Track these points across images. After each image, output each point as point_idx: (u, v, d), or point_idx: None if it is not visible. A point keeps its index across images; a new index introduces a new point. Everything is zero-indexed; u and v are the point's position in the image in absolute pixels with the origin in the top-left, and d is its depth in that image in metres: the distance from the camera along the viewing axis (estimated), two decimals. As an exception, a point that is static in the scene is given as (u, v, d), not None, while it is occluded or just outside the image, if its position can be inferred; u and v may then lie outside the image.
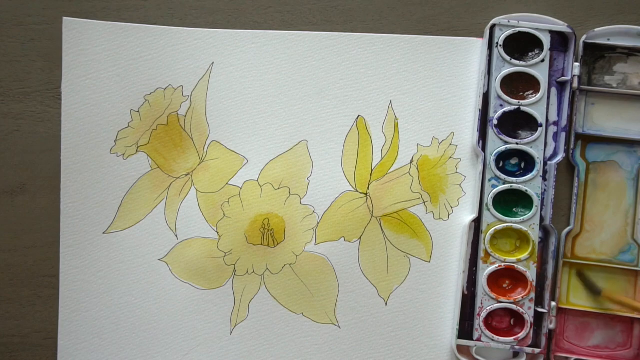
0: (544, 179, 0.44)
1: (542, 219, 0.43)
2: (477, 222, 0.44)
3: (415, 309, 0.44)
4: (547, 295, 0.43)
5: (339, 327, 0.44)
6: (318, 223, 0.44)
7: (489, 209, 0.43)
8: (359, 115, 0.45)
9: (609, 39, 0.44)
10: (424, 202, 0.44)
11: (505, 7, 0.45)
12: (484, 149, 0.44)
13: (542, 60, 0.43)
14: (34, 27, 0.45)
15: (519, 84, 0.44)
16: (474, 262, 0.44)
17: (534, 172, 0.43)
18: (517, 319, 0.44)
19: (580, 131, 0.44)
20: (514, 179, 0.43)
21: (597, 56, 0.44)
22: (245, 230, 0.44)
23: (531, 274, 0.43)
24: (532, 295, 0.43)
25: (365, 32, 0.45)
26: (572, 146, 0.44)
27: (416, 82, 0.45)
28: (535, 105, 0.43)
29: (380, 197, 0.44)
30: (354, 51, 0.45)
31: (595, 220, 0.44)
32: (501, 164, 0.44)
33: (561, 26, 0.43)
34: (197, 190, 0.44)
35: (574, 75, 0.43)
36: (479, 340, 0.43)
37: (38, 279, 0.45)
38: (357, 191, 0.45)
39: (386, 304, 0.44)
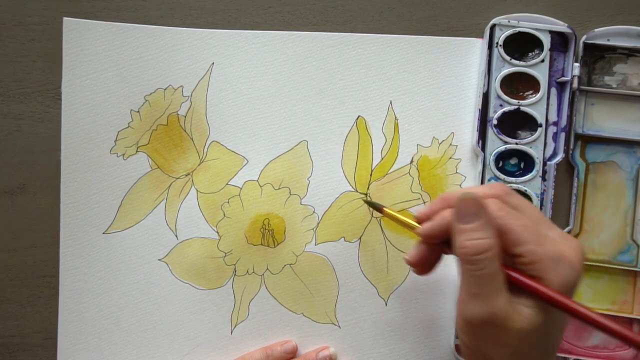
0: (544, 179, 0.44)
1: (541, 219, 0.43)
2: (476, 222, 0.44)
3: (415, 309, 0.44)
4: (547, 295, 0.43)
5: (339, 326, 0.45)
6: (318, 223, 0.44)
7: (488, 209, 0.43)
8: (359, 116, 0.45)
9: (608, 40, 0.44)
10: (424, 203, 0.44)
11: (505, 7, 0.45)
12: (483, 148, 0.44)
13: (542, 61, 0.43)
14: (34, 27, 0.45)
15: (518, 84, 0.44)
16: (474, 262, 0.44)
17: (534, 172, 0.43)
18: (517, 318, 0.44)
19: (580, 131, 0.44)
20: (513, 179, 0.43)
21: (597, 56, 0.44)
22: (246, 230, 0.44)
23: (531, 274, 0.43)
24: (532, 295, 0.43)
25: (365, 32, 0.45)
26: (571, 146, 0.44)
27: (416, 82, 0.45)
28: (534, 105, 0.43)
29: (380, 197, 0.44)
30: (354, 51, 0.45)
31: (595, 221, 0.44)
32: (501, 164, 0.44)
33: (561, 26, 0.43)
34: (197, 190, 0.45)
35: (574, 76, 0.43)
36: (478, 340, 0.43)
37: (38, 279, 0.45)
38: (357, 191, 0.45)
39: (386, 304, 0.44)
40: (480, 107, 0.44)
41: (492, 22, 0.44)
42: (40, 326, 0.45)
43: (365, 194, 0.44)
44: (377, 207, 0.41)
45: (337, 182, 0.45)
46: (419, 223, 0.36)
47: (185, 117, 0.45)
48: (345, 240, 0.44)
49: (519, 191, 0.43)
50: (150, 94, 0.44)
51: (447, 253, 0.36)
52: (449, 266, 0.44)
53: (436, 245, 0.36)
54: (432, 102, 0.45)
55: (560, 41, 0.44)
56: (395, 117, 0.45)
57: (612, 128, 0.44)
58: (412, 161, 0.45)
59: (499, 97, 0.43)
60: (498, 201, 0.33)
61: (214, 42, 0.45)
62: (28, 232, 0.45)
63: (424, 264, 0.37)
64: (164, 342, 0.45)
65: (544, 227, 0.33)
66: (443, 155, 0.45)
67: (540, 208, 0.43)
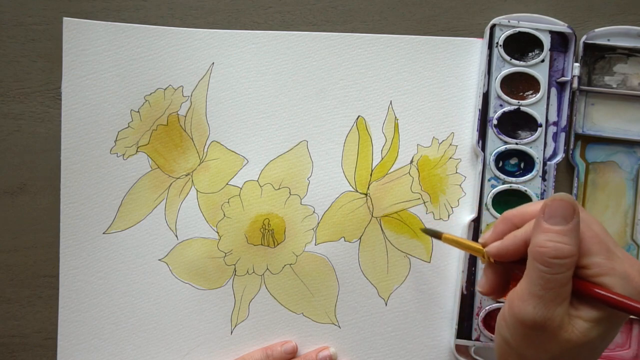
0: (544, 179, 0.44)
1: (541, 219, 0.43)
2: (476, 222, 0.44)
3: (415, 309, 0.44)
4: (547, 295, 0.43)
5: (339, 327, 0.45)
6: (318, 223, 0.44)
7: (488, 209, 0.43)
8: (359, 116, 0.45)
9: (609, 40, 0.44)
10: (424, 203, 0.44)
11: (505, 7, 0.45)
12: (483, 148, 0.44)
13: (542, 61, 0.43)
14: (34, 27, 0.45)
15: (518, 84, 0.44)
16: (473, 262, 0.44)
17: (534, 172, 0.43)
18: (517, 318, 0.44)
19: (580, 131, 0.44)
20: (513, 179, 0.43)
21: (597, 56, 0.44)
22: (246, 230, 0.44)
23: (531, 274, 0.43)
24: (532, 295, 0.43)
25: (365, 32, 0.45)
26: (571, 146, 0.44)
27: (416, 82, 0.45)
28: (535, 105, 0.43)
29: (380, 197, 0.44)
30: (354, 51, 0.45)
31: (595, 221, 0.44)
32: (501, 164, 0.44)
33: (561, 26, 0.43)
34: (197, 190, 0.45)
35: (574, 76, 0.43)
36: (477, 340, 0.43)
37: (38, 279, 0.45)
38: (357, 191, 0.45)
39: (386, 304, 0.45)
40: (480, 107, 0.44)
41: (492, 22, 0.44)
42: (40, 326, 0.45)
43: (366, 194, 0.44)
44: (435, 234, 0.40)
45: (337, 182, 0.45)
46: (485, 245, 0.35)
47: (185, 117, 0.45)
48: (345, 240, 0.44)
49: (518, 191, 0.43)
50: (150, 94, 0.44)
51: (515, 271, 0.35)
52: (449, 265, 0.45)
53: (504, 265, 0.35)
54: (432, 102, 0.45)
55: (560, 41, 0.44)
56: (395, 117, 0.45)
57: (612, 128, 0.44)
58: (412, 161, 0.45)
59: (499, 97, 0.43)
60: (573, 208, 0.32)
61: (214, 42, 0.44)
62: (28, 232, 0.45)
63: (497, 289, 0.36)
64: (164, 342, 0.45)
65: (611, 244, 0.32)
66: (443, 155, 0.45)
67: (540, 208, 0.43)
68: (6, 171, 0.45)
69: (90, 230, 0.45)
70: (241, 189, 0.45)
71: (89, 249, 0.45)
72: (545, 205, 0.31)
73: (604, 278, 0.30)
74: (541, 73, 0.43)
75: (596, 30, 0.44)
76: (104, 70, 0.44)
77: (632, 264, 0.32)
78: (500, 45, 0.43)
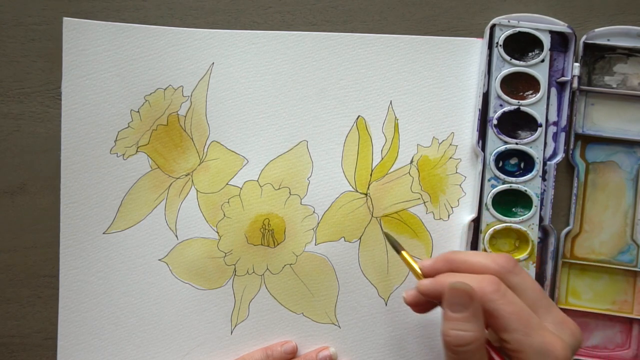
0: (544, 179, 0.44)
1: (541, 219, 0.43)
2: (476, 222, 0.44)
3: (415, 309, 0.44)
4: (547, 295, 0.43)
5: (339, 327, 0.45)
6: (318, 223, 0.44)
7: (488, 209, 0.43)
8: (359, 116, 0.45)
9: (608, 40, 0.44)
10: (424, 203, 0.44)
11: (505, 7, 0.45)
12: (483, 148, 0.44)
13: (542, 61, 0.43)
14: (34, 27, 0.45)
15: (518, 84, 0.44)
16: (474, 262, 0.44)
17: (534, 172, 0.43)
18: (517, 318, 0.44)
19: (580, 131, 0.44)
20: (513, 179, 0.43)
21: (597, 56, 0.44)
22: (246, 230, 0.44)
23: (530, 274, 0.43)
24: (532, 295, 0.43)
25: (365, 32, 0.45)
26: (571, 146, 0.44)
27: (416, 82, 0.45)
28: (535, 105, 0.43)
29: (380, 197, 0.44)
30: (354, 51, 0.45)
31: (595, 221, 0.44)
32: (501, 164, 0.44)
33: (561, 26, 0.43)
34: (197, 190, 0.45)
35: (574, 76, 0.43)
36: (478, 340, 0.43)
37: (38, 279, 0.45)
38: (357, 191, 0.45)
39: (386, 304, 0.45)
40: (480, 107, 0.44)
41: (492, 22, 0.44)
42: (40, 326, 0.45)
43: (366, 194, 0.45)
44: (396, 248, 0.41)
45: (337, 182, 0.45)
46: (422, 272, 0.38)
47: (185, 117, 0.45)
48: (345, 240, 0.44)
49: (518, 191, 0.43)
50: (150, 94, 0.44)
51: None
52: (449, 266, 0.44)
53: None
54: (432, 102, 0.45)
55: (560, 41, 0.44)
56: (395, 117, 0.45)
57: (612, 128, 0.44)
58: (412, 161, 0.45)
59: (499, 97, 0.43)
60: (496, 281, 0.34)
61: (214, 42, 0.45)
62: (28, 232, 0.45)
63: (420, 306, 0.38)
64: (164, 342, 0.45)
65: (541, 311, 0.34)
66: (443, 155, 0.45)
67: (540, 208, 0.43)
68: (6, 171, 0.45)
69: (90, 230, 0.45)
70: (241, 189, 0.45)
71: (89, 249, 0.45)
72: (445, 294, 0.33)
73: (522, 354, 0.32)
74: (541, 73, 0.43)
75: (596, 30, 0.44)
76: (104, 70, 0.44)
77: (562, 331, 0.33)
78: (500, 45, 0.43)
